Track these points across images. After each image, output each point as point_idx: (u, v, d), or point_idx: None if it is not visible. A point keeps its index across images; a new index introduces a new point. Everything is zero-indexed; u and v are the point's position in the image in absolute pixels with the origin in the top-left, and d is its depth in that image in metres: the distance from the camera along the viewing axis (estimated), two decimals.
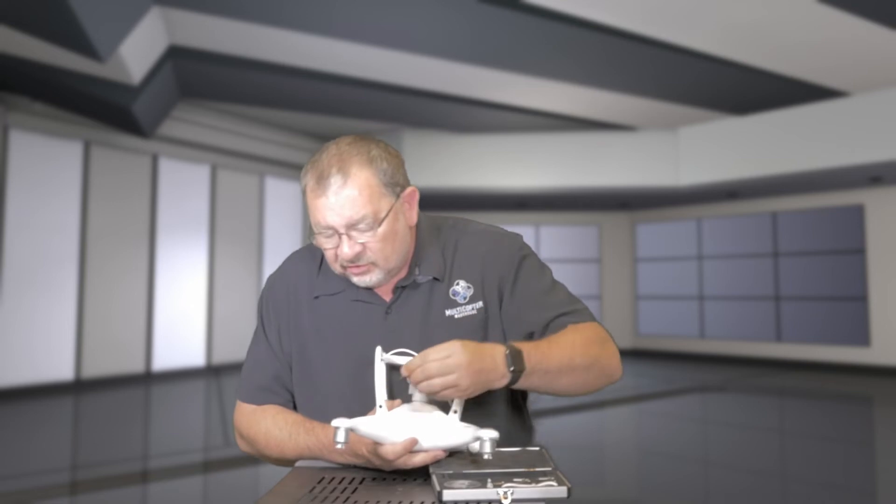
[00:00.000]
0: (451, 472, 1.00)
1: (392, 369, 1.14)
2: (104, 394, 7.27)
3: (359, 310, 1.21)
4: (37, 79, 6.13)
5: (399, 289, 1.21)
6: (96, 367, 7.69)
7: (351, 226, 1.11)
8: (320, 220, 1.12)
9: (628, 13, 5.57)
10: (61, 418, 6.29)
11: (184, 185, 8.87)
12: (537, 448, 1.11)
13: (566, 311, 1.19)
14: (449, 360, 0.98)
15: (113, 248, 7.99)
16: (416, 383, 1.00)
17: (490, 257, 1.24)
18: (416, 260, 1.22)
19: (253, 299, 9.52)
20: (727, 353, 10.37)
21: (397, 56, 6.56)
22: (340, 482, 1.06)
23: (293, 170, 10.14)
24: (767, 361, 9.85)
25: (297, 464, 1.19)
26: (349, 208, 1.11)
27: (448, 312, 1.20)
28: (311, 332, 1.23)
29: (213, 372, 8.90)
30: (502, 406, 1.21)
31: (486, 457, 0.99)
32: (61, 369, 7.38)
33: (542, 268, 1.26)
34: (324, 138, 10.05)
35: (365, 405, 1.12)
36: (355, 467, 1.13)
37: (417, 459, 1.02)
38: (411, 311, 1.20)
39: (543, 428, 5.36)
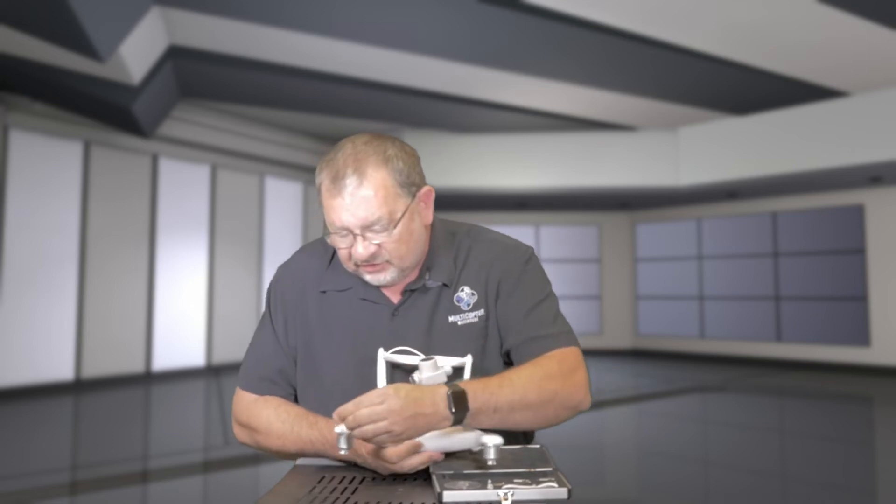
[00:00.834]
0: (451, 472, 1.00)
1: (394, 368, 1.14)
2: (104, 394, 7.27)
3: (366, 308, 1.21)
4: (37, 79, 6.13)
5: (408, 292, 1.21)
6: (96, 367, 7.68)
7: (366, 227, 1.11)
8: (335, 220, 1.12)
9: (628, 13, 5.57)
10: (61, 418, 6.29)
11: (184, 185, 8.87)
12: (538, 446, 1.11)
13: (541, 334, 1.17)
14: (380, 408, 0.97)
15: (113, 248, 7.99)
16: (350, 429, 0.98)
17: (496, 265, 1.23)
18: (427, 264, 1.22)
19: (253, 299, 9.52)
20: (727, 353, 10.37)
21: (397, 56, 6.56)
22: (340, 482, 1.06)
23: (293, 170, 10.14)
24: (767, 361, 9.85)
25: (297, 462, 1.19)
26: (364, 209, 1.10)
27: (451, 319, 1.20)
28: (318, 327, 1.23)
29: (213, 372, 8.90)
30: None
31: (489, 462, 0.99)
32: (61, 369, 7.38)
33: (539, 282, 1.24)
34: (324, 138, 10.05)
35: None
36: (356, 466, 1.13)
37: (415, 461, 1.02)
38: (417, 314, 1.20)
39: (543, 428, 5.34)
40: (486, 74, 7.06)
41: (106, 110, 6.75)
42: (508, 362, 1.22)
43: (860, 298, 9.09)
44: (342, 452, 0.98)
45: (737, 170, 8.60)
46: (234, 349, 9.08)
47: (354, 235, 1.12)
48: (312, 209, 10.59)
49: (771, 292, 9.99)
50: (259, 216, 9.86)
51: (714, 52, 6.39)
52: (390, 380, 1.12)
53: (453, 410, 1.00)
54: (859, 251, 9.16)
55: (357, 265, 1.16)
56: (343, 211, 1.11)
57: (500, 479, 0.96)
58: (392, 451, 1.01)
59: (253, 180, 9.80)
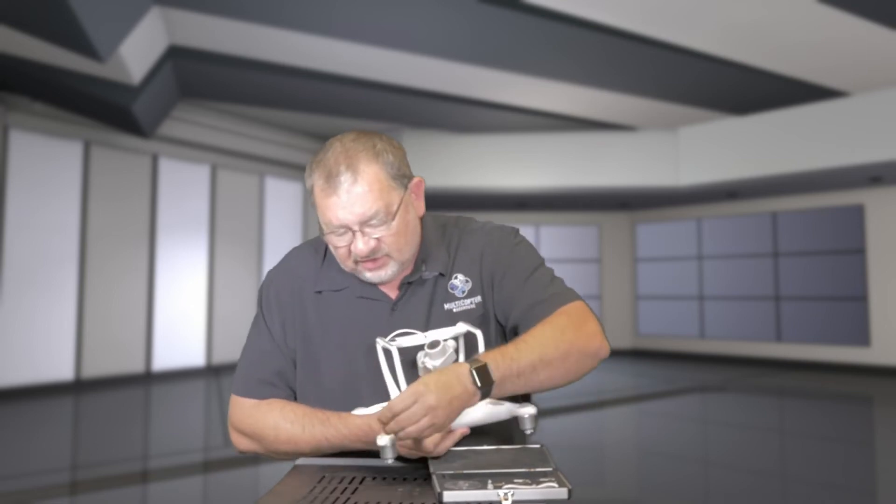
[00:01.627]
0: (451, 472, 1.00)
1: (396, 354, 1.14)
2: (104, 394, 7.27)
3: (364, 306, 1.21)
4: (37, 79, 6.13)
5: (405, 285, 1.22)
6: (96, 367, 7.68)
7: (364, 222, 1.12)
8: (332, 218, 1.12)
9: (628, 13, 5.57)
10: (61, 418, 6.29)
11: (184, 185, 8.87)
12: (538, 446, 1.11)
13: (544, 297, 1.18)
14: (417, 407, 0.98)
15: (113, 248, 7.99)
16: (393, 433, 1.00)
17: (486, 250, 1.25)
18: (422, 256, 1.23)
19: (253, 299, 9.52)
20: (727, 353, 10.37)
21: (397, 56, 6.56)
22: (340, 482, 1.06)
23: (293, 170, 10.14)
24: (767, 361, 9.85)
25: (297, 463, 1.19)
26: (361, 205, 1.11)
27: (447, 306, 1.21)
28: (316, 328, 1.23)
29: (213, 372, 8.90)
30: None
31: (527, 432, 1.03)
32: (61, 369, 7.38)
33: (530, 255, 1.26)
34: (324, 138, 10.05)
35: (371, 401, 1.12)
36: (356, 466, 1.13)
37: (448, 442, 1.06)
38: (415, 306, 1.21)
39: (543, 428, 5.36)
40: (486, 74, 7.06)
41: (106, 110, 6.75)
42: None
43: (860, 298, 9.08)
44: (389, 461, 1.00)
45: (737, 170, 8.59)
46: (234, 349, 9.07)
47: (353, 232, 1.13)
48: (312, 209, 10.59)
49: (771, 292, 9.99)
50: (259, 216, 9.86)
51: (714, 52, 6.39)
52: (392, 367, 1.12)
53: (479, 385, 1.01)
54: (859, 251, 9.15)
55: (357, 262, 1.16)
56: (340, 209, 1.11)
57: (500, 479, 0.96)
58: (430, 443, 1.03)
59: (253, 180, 9.80)
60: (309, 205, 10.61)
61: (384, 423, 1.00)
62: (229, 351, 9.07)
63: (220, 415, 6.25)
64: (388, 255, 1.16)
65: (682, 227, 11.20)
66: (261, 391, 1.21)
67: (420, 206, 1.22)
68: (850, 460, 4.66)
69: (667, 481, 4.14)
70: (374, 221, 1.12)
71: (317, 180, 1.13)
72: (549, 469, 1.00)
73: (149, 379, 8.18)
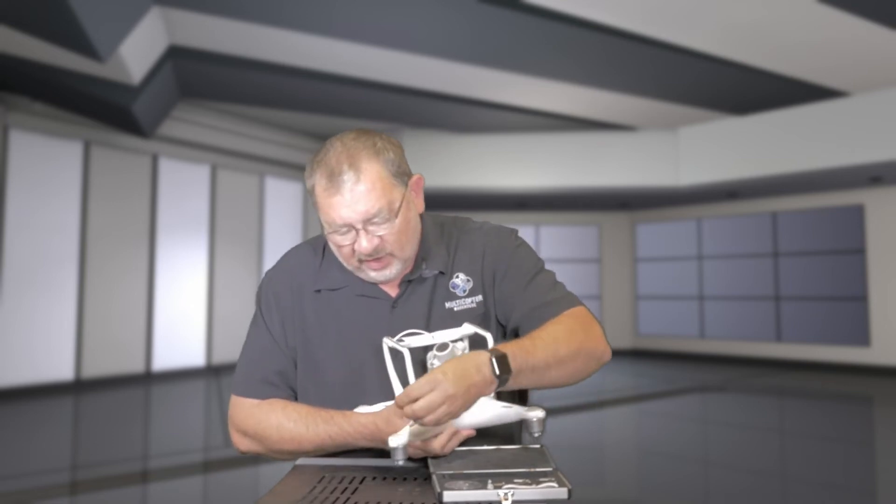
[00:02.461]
0: (451, 472, 1.00)
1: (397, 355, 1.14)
2: (104, 394, 7.27)
3: (364, 305, 1.22)
4: (37, 79, 6.13)
5: (406, 283, 1.22)
6: (96, 367, 7.68)
7: (368, 220, 1.12)
8: (335, 218, 1.12)
9: (628, 13, 5.57)
10: (61, 418, 6.29)
11: (184, 185, 8.87)
12: (538, 446, 1.11)
13: (547, 300, 1.19)
14: (435, 395, 0.97)
15: (113, 248, 7.99)
16: (411, 418, 1.00)
17: (487, 251, 1.25)
18: (422, 254, 1.23)
19: (253, 299, 9.51)
20: (727, 353, 10.37)
21: (397, 56, 6.56)
22: (341, 482, 1.06)
23: (293, 170, 10.14)
24: (767, 361, 9.85)
25: (297, 463, 1.19)
26: (364, 203, 1.11)
27: (448, 305, 1.21)
28: (316, 327, 1.22)
29: (213, 372, 8.90)
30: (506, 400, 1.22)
31: (535, 435, 1.04)
32: (61, 369, 7.38)
33: (531, 258, 1.27)
34: (324, 138, 10.04)
35: (374, 399, 1.12)
36: (356, 466, 1.13)
37: (454, 442, 1.07)
38: (416, 304, 1.21)
39: (545, 430, 5.34)
40: (486, 74, 7.06)
41: (106, 110, 6.75)
42: None
43: (860, 298, 9.08)
44: (399, 463, 1.00)
45: (737, 170, 8.59)
46: (234, 349, 9.07)
47: (357, 231, 1.13)
48: (312, 209, 10.59)
49: (771, 292, 9.99)
50: (259, 216, 9.86)
51: (714, 52, 6.39)
52: (397, 366, 1.12)
53: (498, 374, 1.02)
54: (859, 251, 9.15)
55: (361, 261, 1.16)
56: (343, 207, 1.11)
57: (500, 479, 0.96)
58: (437, 443, 1.05)
59: (253, 180, 9.80)
60: (309, 205, 10.60)
61: (401, 406, 0.99)
62: (229, 351, 9.07)
63: (220, 415, 6.24)
64: (391, 254, 1.16)
65: (682, 227, 11.20)
66: (262, 391, 1.21)
67: (420, 204, 1.23)
68: (850, 460, 4.66)
69: (667, 481, 4.14)
70: (377, 219, 1.12)
71: (318, 180, 1.13)
72: (549, 469, 1.00)
73: (149, 379, 8.18)
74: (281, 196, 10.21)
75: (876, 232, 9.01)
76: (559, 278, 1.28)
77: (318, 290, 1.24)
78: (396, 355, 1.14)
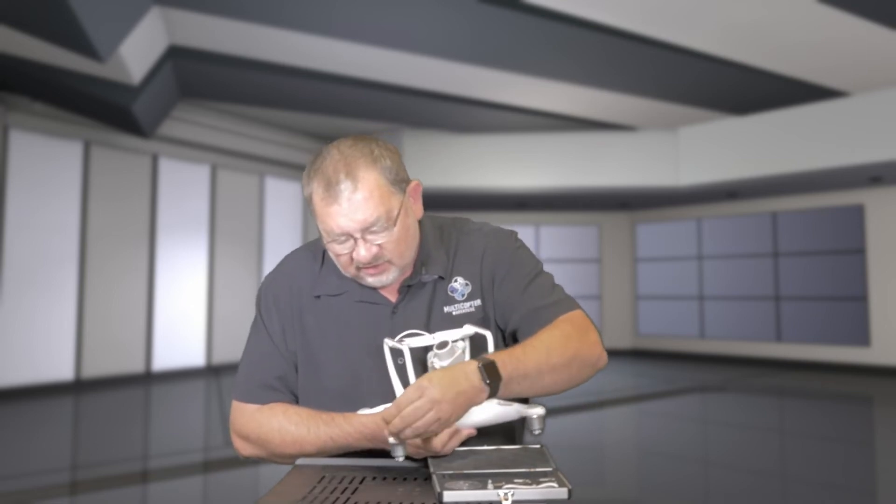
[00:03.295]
0: (451, 472, 1.00)
1: (400, 355, 1.15)
2: (104, 394, 7.27)
3: (364, 310, 1.21)
4: (37, 79, 6.13)
5: (405, 288, 1.22)
6: (96, 367, 7.68)
7: (366, 229, 1.11)
8: (334, 227, 1.12)
9: (628, 13, 5.57)
10: (61, 418, 6.29)
11: (184, 185, 8.87)
12: (538, 446, 1.11)
13: (545, 303, 1.19)
14: (422, 402, 0.98)
15: (113, 248, 7.99)
16: (398, 431, 0.99)
17: (486, 253, 1.25)
18: (421, 258, 1.23)
19: (253, 299, 9.51)
20: (727, 353, 10.37)
21: (397, 56, 6.56)
22: (341, 482, 1.06)
23: (293, 170, 10.14)
24: (767, 361, 9.85)
25: (298, 463, 1.19)
26: (362, 212, 1.10)
27: (446, 309, 1.21)
28: (315, 332, 1.22)
29: (213, 372, 8.90)
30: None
31: (536, 432, 1.04)
32: (61, 369, 7.38)
33: (530, 260, 1.27)
34: (324, 138, 10.05)
35: (375, 402, 1.12)
36: (357, 466, 1.13)
37: (455, 442, 1.07)
38: (415, 309, 1.21)
39: (545, 427, 5.33)
40: (486, 74, 7.06)
41: (106, 110, 6.75)
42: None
43: (860, 298, 9.09)
44: (400, 459, 1.01)
45: (737, 170, 8.59)
46: (234, 349, 9.07)
47: (355, 239, 1.13)
48: (311, 215, 10.58)
49: (771, 292, 9.99)
50: (259, 216, 9.86)
51: (714, 52, 6.39)
52: (398, 367, 1.12)
53: (487, 382, 1.02)
54: (859, 251, 9.15)
55: (359, 269, 1.16)
56: (341, 216, 1.11)
57: (500, 479, 0.96)
58: (438, 442, 1.04)
59: (253, 180, 9.80)
60: (309, 207, 10.60)
61: (388, 420, 1.00)
62: (229, 351, 9.07)
63: (219, 415, 6.25)
64: (389, 262, 1.16)
65: (682, 227, 11.20)
66: (263, 396, 1.21)
67: (418, 210, 1.22)
68: (850, 460, 4.66)
69: (667, 481, 4.14)
70: (375, 228, 1.12)
71: (316, 189, 1.13)
72: (550, 469, 1.00)
73: (149, 379, 8.18)
74: (281, 196, 10.21)
75: (876, 232, 9.01)
76: (559, 279, 1.28)
77: (318, 296, 1.24)
78: (397, 357, 1.14)
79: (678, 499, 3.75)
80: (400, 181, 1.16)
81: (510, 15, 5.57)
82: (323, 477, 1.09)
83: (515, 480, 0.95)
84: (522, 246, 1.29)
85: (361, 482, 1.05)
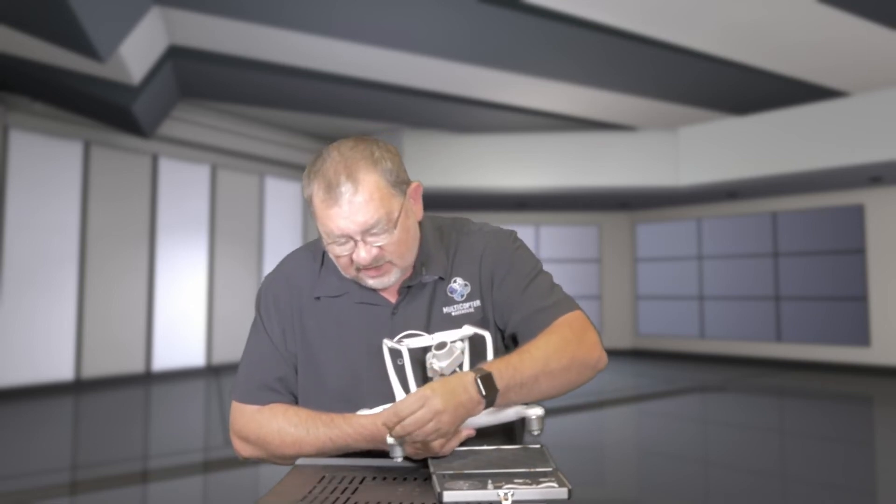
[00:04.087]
0: (451, 472, 1.00)
1: (399, 356, 1.15)
2: (104, 394, 7.27)
3: (364, 311, 1.21)
4: (37, 79, 6.13)
5: (405, 289, 1.22)
6: (96, 367, 7.68)
7: (366, 231, 1.11)
8: (334, 229, 1.12)
9: (628, 13, 5.57)
10: (61, 418, 6.29)
11: (184, 185, 8.87)
12: (538, 446, 1.11)
13: (544, 305, 1.19)
14: (423, 412, 0.98)
15: (113, 248, 7.99)
16: (399, 438, 1.00)
17: (486, 253, 1.25)
18: (421, 259, 1.23)
19: (253, 299, 9.52)
20: (727, 353, 10.37)
21: (397, 56, 6.56)
22: (341, 482, 1.06)
23: (293, 170, 10.14)
24: (767, 361, 9.85)
25: (298, 463, 1.19)
26: (363, 214, 1.10)
27: (446, 310, 1.21)
28: (315, 333, 1.22)
29: (213, 372, 8.90)
30: None
31: (535, 433, 1.05)
32: (61, 369, 7.38)
33: (530, 260, 1.27)
34: (324, 138, 10.05)
35: (375, 403, 1.12)
36: (356, 466, 1.13)
37: (454, 443, 1.07)
38: (416, 310, 1.21)
39: (544, 427, 5.33)
40: (486, 74, 7.06)
41: (106, 110, 6.75)
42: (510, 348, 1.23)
43: (860, 298, 9.08)
44: (398, 460, 1.02)
45: (737, 170, 8.59)
46: (234, 349, 9.07)
47: (355, 241, 1.13)
48: (312, 217, 10.59)
49: (771, 292, 9.99)
50: (259, 216, 9.86)
51: (714, 52, 6.39)
52: (397, 367, 1.12)
53: (484, 394, 1.02)
54: (859, 251, 9.15)
55: (359, 270, 1.16)
56: (341, 219, 1.11)
57: (501, 479, 0.96)
58: (437, 443, 1.05)
59: (253, 180, 9.80)
60: (309, 208, 10.59)
61: (390, 427, 1.00)
62: (229, 351, 9.07)
63: (219, 415, 6.25)
64: (390, 263, 1.16)
65: (682, 227, 11.20)
66: (263, 397, 1.21)
67: (419, 211, 1.22)
68: (850, 460, 4.66)
69: (667, 481, 4.14)
70: (375, 230, 1.12)
71: (316, 191, 1.13)
72: (549, 469, 1.00)
73: (149, 379, 8.18)
74: (281, 196, 10.21)
75: (876, 232, 9.01)
76: (559, 279, 1.28)
77: (318, 298, 1.24)
78: (396, 358, 1.14)
79: (678, 499, 3.75)
80: (400, 183, 1.16)
81: (510, 15, 5.56)
82: (323, 477, 1.09)
83: (515, 480, 0.95)
84: (522, 246, 1.29)
85: (361, 482, 1.05)
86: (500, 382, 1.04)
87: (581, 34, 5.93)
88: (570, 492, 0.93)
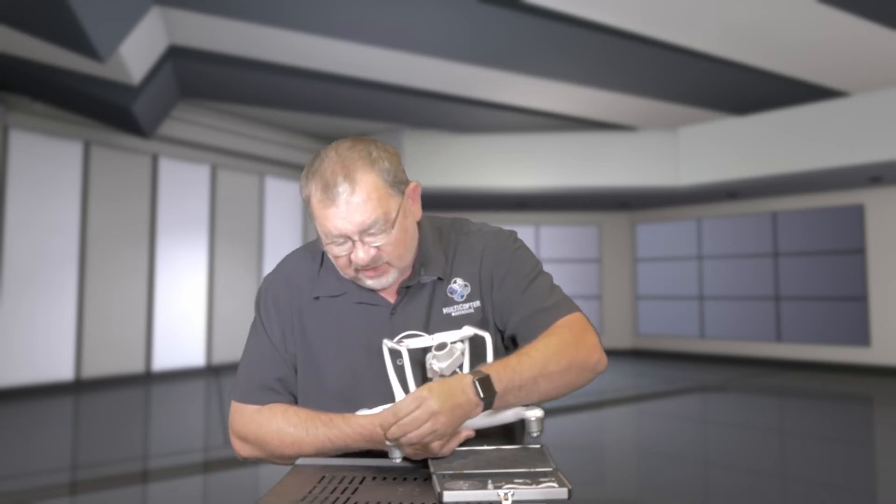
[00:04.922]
0: (451, 472, 1.00)
1: (399, 356, 1.15)
2: (104, 394, 7.27)
3: (363, 312, 1.21)
4: (37, 79, 6.13)
5: (404, 289, 1.22)
6: (96, 367, 7.68)
7: (364, 231, 1.11)
8: (331, 229, 1.12)
9: (628, 13, 5.57)
10: (61, 418, 6.29)
11: (184, 185, 8.87)
12: (538, 446, 1.11)
13: (544, 306, 1.19)
14: (419, 412, 0.98)
15: (113, 248, 7.99)
16: (395, 439, 1.00)
17: (486, 254, 1.25)
18: (420, 259, 1.23)
19: (253, 299, 9.52)
20: (727, 353, 10.37)
21: (397, 56, 6.56)
22: (341, 482, 1.06)
23: (293, 170, 10.14)
24: (767, 361, 9.85)
25: (298, 463, 1.19)
26: (360, 214, 1.10)
27: (445, 310, 1.21)
28: (315, 334, 1.22)
29: (213, 372, 8.90)
30: None
31: (534, 434, 1.05)
32: (61, 369, 7.38)
33: (530, 261, 1.26)
34: (324, 138, 10.05)
35: (374, 403, 1.12)
36: (356, 466, 1.13)
37: (453, 444, 1.07)
38: (415, 310, 1.21)
39: (544, 427, 5.33)
40: (486, 74, 7.06)
41: (106, 110, 6.75)
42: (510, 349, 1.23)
43: (860, 298, 9.08)
44: (398, 460, 1.03)
45: (737, 170, 8.59)
46: (234, 349, 9.07)
47: (353, 242, 1.13)
48: (310, 218, 10.59)
49: (771, 292, 9.99)
50: (259, 216, 9.86)
51: (714, 52, 6.39)
52: (397, 368, 1.12)
53: (482, 396, 1.02)
54: (859, 251, 9.15)
55: (357, 270, 1.16)
56: (339, 219, 1.11)
57: (501, 479, 0.96)
58: (437, 445, 1.05)
59: (253, 180, 9.80)
60: (307, 208, 10.60)
61: (385, 428, 1.00)
62: (229, 351, 9.07)
63: (219, 415, 6.25)
64: (388, 263, 1.16)
65: (682, 227, 11.20)
66: (262, 397, 1.21)
67: (417, 211, 1.22)
68: (850, 460, 4.66)
69: (667, 481, 4.14)
70: (373, 230, 1.12)
71: (314, 191, 1.13)
72: (550, 469, 1.00)
73: (149, 379, 8.18)
74: (281, 196, 10.21)
75: (876, 232, 9.01)
76: (559, 279, 1.28)
77: (317, 298, 1.24)
78: (396, 358, 1.14)
79: (678, 499, 3.75)
80: (398, 183, 1.16)
81: (510, 15, 5.56)
82: (323, 477, 1.09)
83: (515, 480, 0.95)
84: (522, 246, 1.28)
85: (361, 482, 1.05)
86: (498, 385, 1.04)
87: (581, 34, 5.93)
88: (570, 492, 0.93)
